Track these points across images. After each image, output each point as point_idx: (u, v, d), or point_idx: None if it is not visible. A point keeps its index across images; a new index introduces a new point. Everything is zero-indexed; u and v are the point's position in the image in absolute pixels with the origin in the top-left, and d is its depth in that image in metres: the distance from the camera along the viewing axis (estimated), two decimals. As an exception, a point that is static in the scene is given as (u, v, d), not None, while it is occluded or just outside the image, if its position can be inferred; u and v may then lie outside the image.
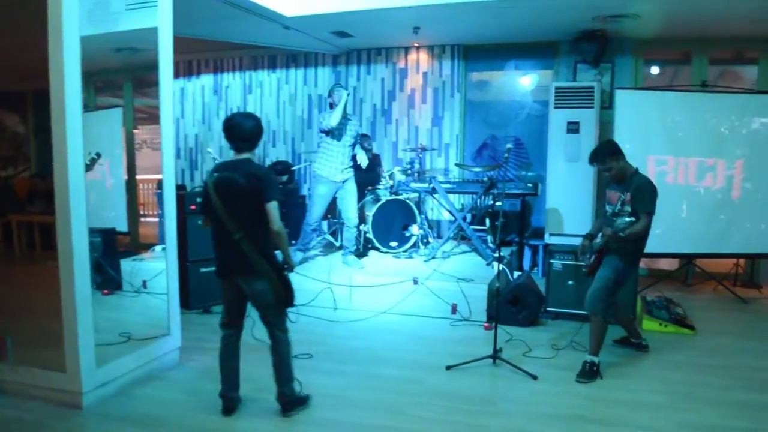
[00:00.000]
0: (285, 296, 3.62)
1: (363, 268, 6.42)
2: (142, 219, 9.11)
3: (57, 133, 3.59)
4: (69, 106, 3.57)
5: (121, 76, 8.35)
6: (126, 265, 6.35)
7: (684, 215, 6.64)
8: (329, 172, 6.32)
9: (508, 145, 4.80)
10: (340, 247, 7.01)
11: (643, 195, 4.26)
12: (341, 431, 3.55)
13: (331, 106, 6.29)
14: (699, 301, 6.45)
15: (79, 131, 3.65)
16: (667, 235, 6.37)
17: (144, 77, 7.86)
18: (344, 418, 3.69)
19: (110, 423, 3.62)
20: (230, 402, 3.80)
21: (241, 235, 3.50)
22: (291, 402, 3.76)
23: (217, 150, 8.65)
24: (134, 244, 8.09)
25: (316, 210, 6.43)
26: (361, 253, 6.98)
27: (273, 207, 3.48)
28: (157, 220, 8.50)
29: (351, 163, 6.49)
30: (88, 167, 4.10)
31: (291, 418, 3.69)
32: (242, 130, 3.60)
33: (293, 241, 6.60)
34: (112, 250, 6.37)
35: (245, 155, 3.62)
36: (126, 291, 6.15)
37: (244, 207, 3.51)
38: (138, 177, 8.66)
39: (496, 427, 3.60)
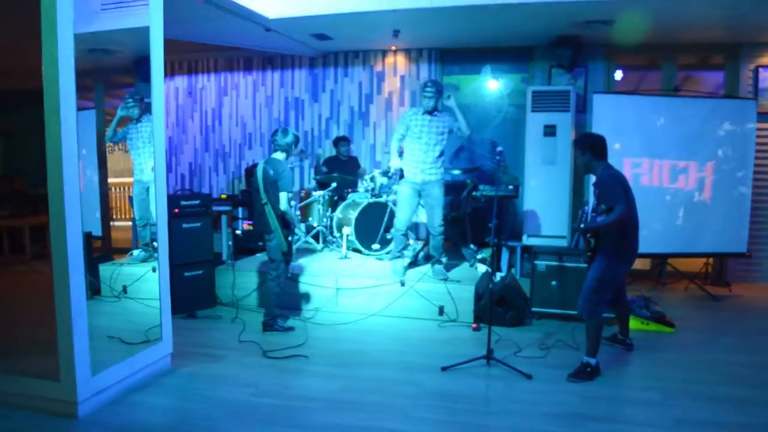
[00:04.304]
0: (287, 248, 5.28)
1: (447, 278, 6.02)
2: (114, 223, 8.91)
3: (51, 135, 3.49)
4: (63, 107, 3.47)
5: (91, 78, 8.17)
6: (104, 270, 6.20)
7: (657, 216, 6.83)
8: (409, 172, 6.03)
9: (499, 148, 4.86)
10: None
11: (603, 189, 4.34)
12: (346, 434, 3.55)
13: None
14: (673, 299, 6.66)
15: (74, 132, 3.56)
16: (642, 235, 6.55)
17: (115, 80, 7.70)
18: (347, 422, 3.67)
19: (109, 433, 3.55)
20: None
21: (265, 201, 5.15)
22: (269, 326, 5.35)
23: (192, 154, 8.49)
24: (108, 248, 7.91)
25: (401, 213, 6.12)
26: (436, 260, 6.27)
27: (283, 195, 5.15)
28: (129, 224, 8.34)
29: (436, 165, 5.98)
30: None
31: (296, 424, 3.67)
32: (277, 140, 5.26)
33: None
34: (88, 255, 6.24)
35: (278, 155, 5.26)
36: (105, 296, 6.01)
37: (271, 186, 5.15)
38: (110, 180, 8.47)
39: (499, 426, 3.64)
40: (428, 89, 5.81)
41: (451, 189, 6.97)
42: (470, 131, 5.94)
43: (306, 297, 6.06)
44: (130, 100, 5.39)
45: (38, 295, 3.97)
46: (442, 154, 5.97)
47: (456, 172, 7.24)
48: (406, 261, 6.27)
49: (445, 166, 6.18)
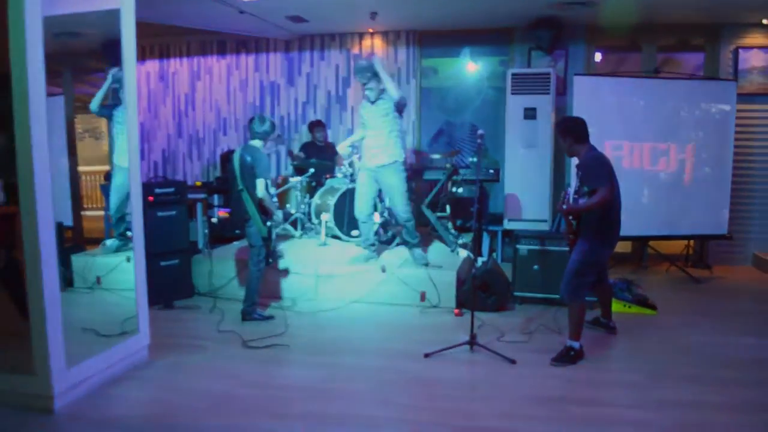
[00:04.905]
0: (267, 234, 5.20)
1: (428, 262, 5.97)
2: (85, 212, 8.70)
3: (20, 122, 3.35)
4: (32, 93, 3.33)
5: (59, 63, 7.93)
6: (76, 260, 6.05)
7: (638, 199, 6.84)
8: (364, 158, 6.02)
9: (480, 131, 4.78)
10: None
11: (587, 171, 4.32)
12: (329, 423, 3.47)
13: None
14: (655, 281, 6.69)
15: (43, 120, 3.42)
16: (622, 218, 6.57)
17: (84, 65, 7.49)
18: (330, 411, 3.61)
19: (86, 427, 3.42)
20: None
21: (242, 188, 5.10)
22: (248, 314, 5.26)
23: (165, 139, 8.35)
24: (79, 238, 7.72)
25: (357, 200, 6.03)
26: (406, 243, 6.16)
27: (260, 181, 5.08)
28: (101, 213, 8.16)
29: (386, 147, 5.82)
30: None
31: (279, 414, 3.60)
32: (254, 127, 5.21)
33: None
34: (60, 245, 6.07)
35: (255, 142, 5.20)
36: (78, 287, 5.86)
37: (248, 173, 5.08)
38: (80, 168, 8.26)
39: (483, 411, 3.61)
40: (361, 79, 5.76)
41: (434, 173, 6.91)
42: (400, 94, 5.72)
43: (285, 285, 5.96)
44: None
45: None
46: (393, 137, 5.81)
47: (437, 156, 7.17)
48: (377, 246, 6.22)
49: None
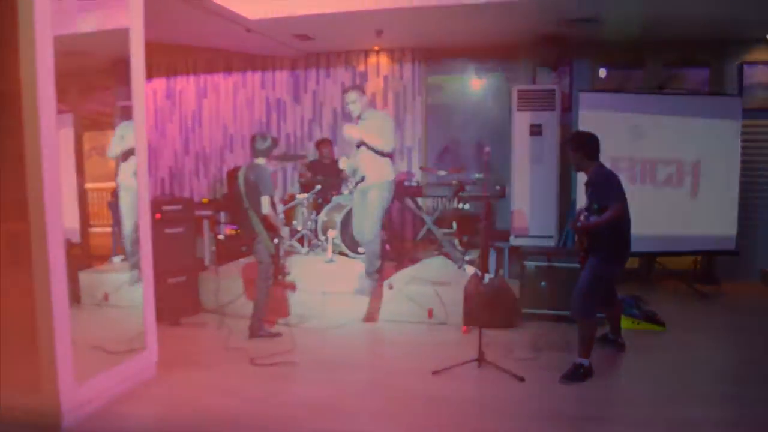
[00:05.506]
0: (275, 250, 5.20)
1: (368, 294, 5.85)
2: (92, 229, 8.72)
3: (30, 139, 3.38)
4: (43, 111, 3.37)
5: (67, 81, 7.98)
6: (84, 277, 6.06)
7: (645, 215, 6.81)
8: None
9: (487, 148, 4.79)
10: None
11: (597, 189, 4.33)
12: (339, 442, 3.46)
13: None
14: (662, 297, 6.64)
15: (55, 136, 3.46)
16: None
17: (92, 82, 7.55)
18: (338, 428, 3.59)
19: (95, 445, 3.43)
20: None
21: (248, 205, 5.14)
22: (253, 330, 5.24)
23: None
24: (86, 255, 7.73)
25: (354, 222, 6.06)
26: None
27: (264, 199, 5.08)
28: (108, 230, 8.18)
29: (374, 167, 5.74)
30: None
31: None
32: (256, 146, 5.24)
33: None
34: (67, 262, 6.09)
35: (259, 161, 5.22)
36: (86, 304, 5.87)
37: (252, 191, 5.12)
38: (87, 185, 8.29)
39: (491, 429, 3.58)
40: (347, 99, 5.78)
41: (440, 190, 6.91)
42: (392, 147, 5.69)
43: (292, 302, 5.95)
44: None
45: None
46: (381, 155, 5.69)
47: (442, 173, 7.18)
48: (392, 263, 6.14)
49: (391, 167, 5.90)
